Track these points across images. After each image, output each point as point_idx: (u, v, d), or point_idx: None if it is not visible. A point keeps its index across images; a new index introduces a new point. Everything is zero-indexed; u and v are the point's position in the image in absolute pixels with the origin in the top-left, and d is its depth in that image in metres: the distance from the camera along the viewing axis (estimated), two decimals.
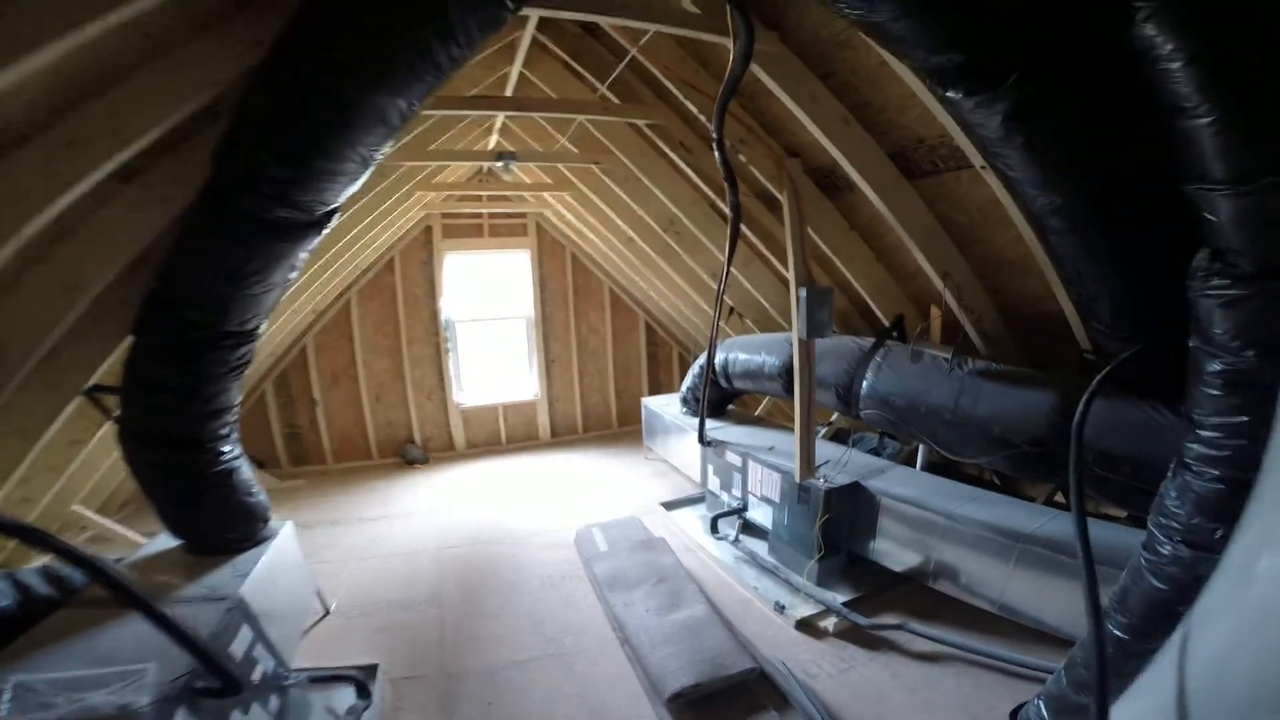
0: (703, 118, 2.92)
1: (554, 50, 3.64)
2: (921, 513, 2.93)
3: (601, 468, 5.94)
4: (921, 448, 3.53)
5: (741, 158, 2.96)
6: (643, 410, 5.76)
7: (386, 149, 1.98)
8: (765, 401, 5.50)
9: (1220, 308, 1.48)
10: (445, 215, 6.29)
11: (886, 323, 3.53)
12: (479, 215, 6.42)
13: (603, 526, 4.29)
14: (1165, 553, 1.62)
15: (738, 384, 4.33)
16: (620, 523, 4.36)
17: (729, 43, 2.12)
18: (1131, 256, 1.74)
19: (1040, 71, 1.49)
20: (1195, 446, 1.58)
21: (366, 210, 4.85)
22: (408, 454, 6.32)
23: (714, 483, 4.28)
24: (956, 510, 2.81)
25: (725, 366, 4.30)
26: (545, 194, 5.85)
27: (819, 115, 2.50)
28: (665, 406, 5.35)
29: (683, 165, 3.68)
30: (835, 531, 3.23)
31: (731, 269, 3.34)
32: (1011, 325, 3.04)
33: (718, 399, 4.77)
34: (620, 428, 7.30)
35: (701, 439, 4.26)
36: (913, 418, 2.99)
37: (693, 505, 4.69)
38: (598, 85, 3.52)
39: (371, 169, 2.02)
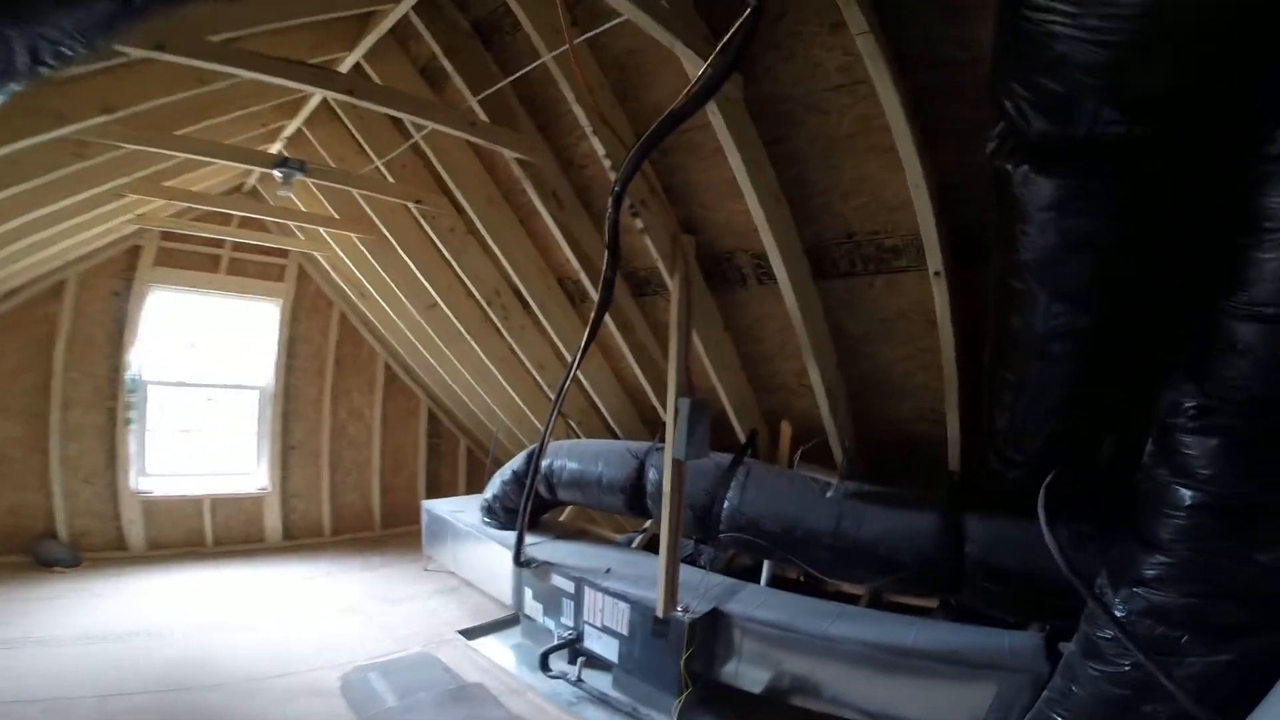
0: (605, 163, 2.46)
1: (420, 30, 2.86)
2: (794, 636, 2.63)
3: (365, 583, 4.53)
4: (767, 564, 3.29)
5: (639, 223, 2.55)
6: (423, 515, 4.69)
7: None
8: (569, 510, 4.88)
9: (1211, 443, 1.47)
10: (167, 236, 4.67)
11: (741, 437, 3.33)
12: (219, 244, 4.91)
13: (384, 669, 3.11)
14: (1124, 663, 1.65)
15: (563, 494, 3.70)
16: (411, 662, 3.22)
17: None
18: (1100, 393, 1.73)
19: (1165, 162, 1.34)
20: (1156, 564, 1.60)
21: (33, 197, 3.28)
22: (43, 553, 4.16)
23: (533, 608, 3.47)
24: (832, 631, 2.58)
25: (549, 474, 3.66)
26: (326, 230, 4.62)
27: (760, 186, 2.23)
28: (456, 513, 4.40)
29: (545, 221, 3.12)
30: (696, 662, 2.76)
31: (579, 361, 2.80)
32: (869, 445, 3.04)
33: (532, 509, 4.06)
34: (385, 530, 5.86)
35: (518, 560, 3.47)
36: (788, 542, 2.71)
37: (501, 631, 3.71)
38: (464, 91, 2.84)
39: None
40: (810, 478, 2.85)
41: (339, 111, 3.61)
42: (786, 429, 3.34)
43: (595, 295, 3.13)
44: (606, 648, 3.09)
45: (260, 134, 3.64)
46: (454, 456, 6.46)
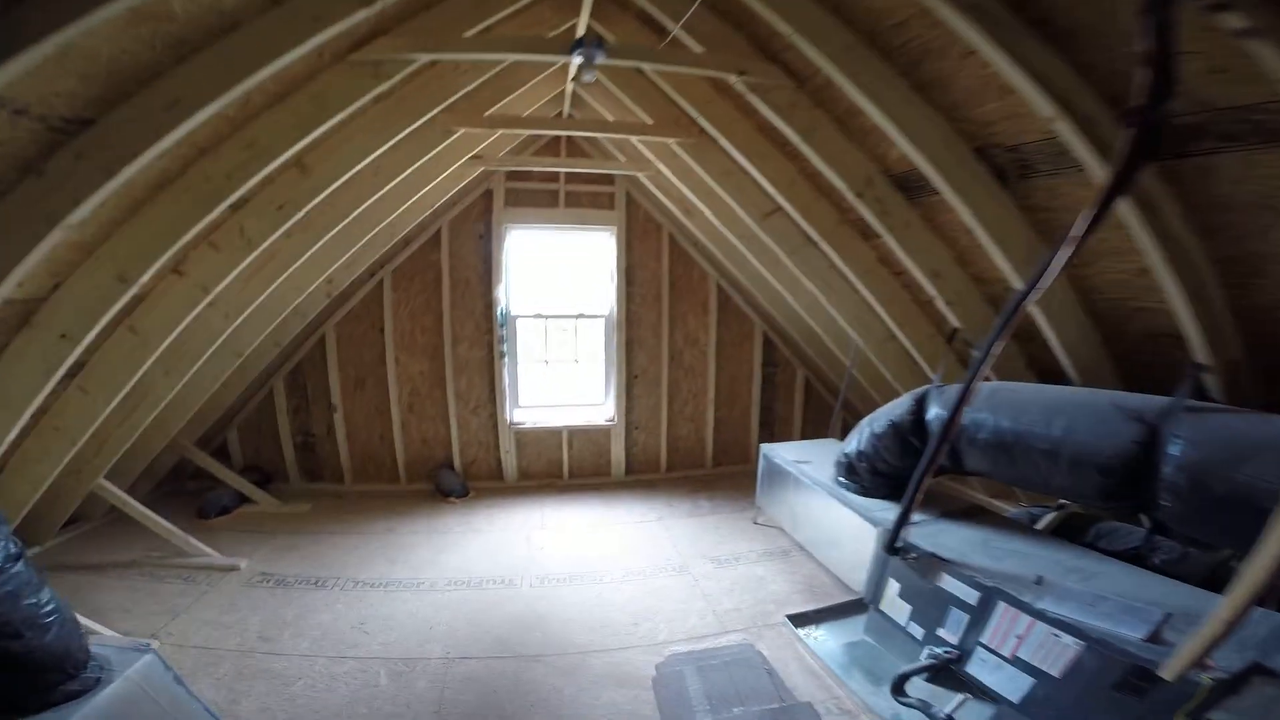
0: None
1: None
2: None
3: (694, 533, 4.21)
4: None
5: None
6: (760, 461, 4.10)
7: None
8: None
9: None
10: (510, 176, 4.76)
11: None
12: (554, 178, 4.85)
13: (700, 663, 2.64)
14: None
15: (972, 462, 2.61)
16: (731, 658, 2.69)
17: None
18: None
19: None
20: None
21: (405, 152, 3.36)
22: (442, 482, 4.83)
23: (897, 607, 2.57)
24: None
25: (949, 430, 2.57)
26: (642, 140, 4.09)
27: None
28: (799, 463, 3.66)
29: (956, 61, 1.95)
30: None
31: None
32: None
33: (892, 473, 3.07)
34: (715, 468, 5.59)
35: (892, 546, 2.54)
36: None
37: (838, 621, 2.94)
38: None
39: None
40: None
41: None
42: None
43: (1048, 163, 1.91)
44: (1008, 684, 2.07)
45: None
46: (790, 389, 5.72)
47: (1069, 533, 2.73)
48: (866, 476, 3.21)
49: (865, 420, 3.27)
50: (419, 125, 3.09)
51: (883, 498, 3.15)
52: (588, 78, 2.88)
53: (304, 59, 2.33)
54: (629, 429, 5.38)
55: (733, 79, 2.89)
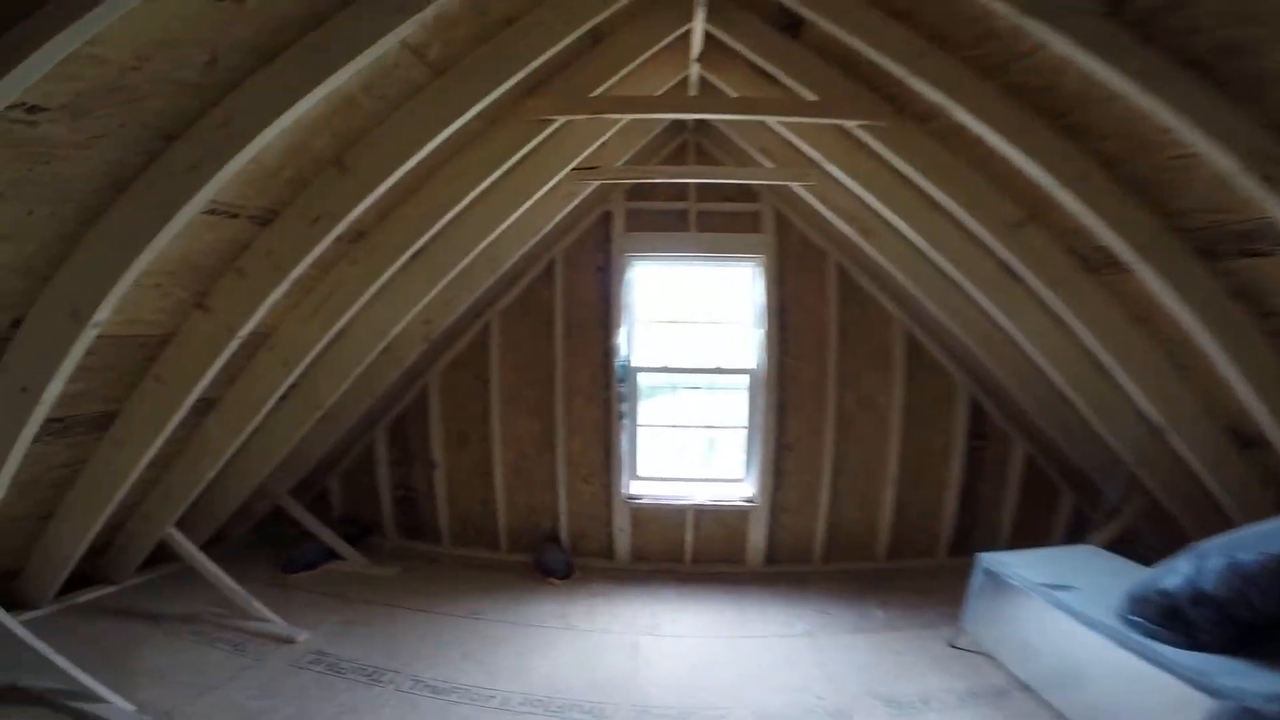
0: None
1: None
2: None
3: (857, 654, 2.99)
4: None
5: None
6: (977, 574, 2.87)
7: None
8: None
9: None
10: (632, 194, 3.94)
11: None
12: (682, 193, 3.92)
13: None
14: None
15: None
16: None
17: None
18: None
19: None
20: None
21: (485, 151, 2.70)
22: (545, 559, 4.01)
23: None
24: None
25: None
26: (811, 122, 2.99)
27: None
28: (1054, 585, 2.53)
29: None
30: None
31: None
32: None
33: (1257, 622, 1.69)
34: (890, 561, 4.12)
35: None
36: None
37: None
38: None
39: None
40: None
41: None
42: None
43: None
44: None
45: None
46: (1002, 468, 4.12)
47: None
48: (1208, 626, 1.93)
49: (1211, 548, 2.13)
50: (491, 105, 2.34)
51: (1226, 653, 1.98)
52: None
53: None
54: (774, 511, 4.13)
55: None
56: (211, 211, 2.01)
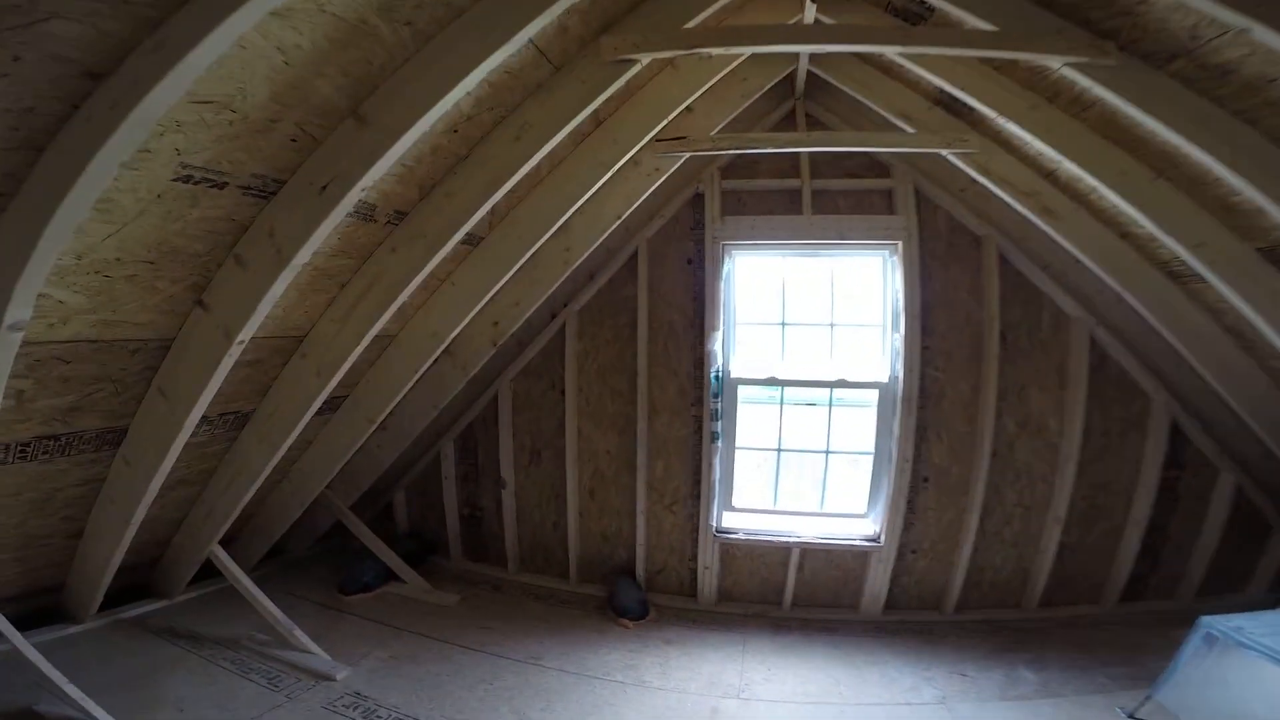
0: None
1: None
2: None
3: None
4: None
5: None
6: (1194, 635, 2.17)
7: None
8: None
9: None
10: (727, 172, 3.25)
11: None
12: (794, 169, 3.19)
13: None
14: None
15: None
16: None
17: None
18: None
19: None
20: None
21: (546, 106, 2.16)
22: (619, 598, 3.43)
23: None
24: None
25: None
26: (984, 55, 2.22)
27: None
28: None
29: None
30: None
31: None
32: None
33: None
34: (1041, 610, 3.25)
35: None
36: None
37: None
38: None
39: None
40: None
41: None
42: None
43: None
44: None
45: None
46: (1203, 503, 3.16)
47: None
48: None
49: None
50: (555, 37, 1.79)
51: None
52: None
53: None
54: (902, 551, 3.31)
55: None
56: (186, 179, 1.57)
